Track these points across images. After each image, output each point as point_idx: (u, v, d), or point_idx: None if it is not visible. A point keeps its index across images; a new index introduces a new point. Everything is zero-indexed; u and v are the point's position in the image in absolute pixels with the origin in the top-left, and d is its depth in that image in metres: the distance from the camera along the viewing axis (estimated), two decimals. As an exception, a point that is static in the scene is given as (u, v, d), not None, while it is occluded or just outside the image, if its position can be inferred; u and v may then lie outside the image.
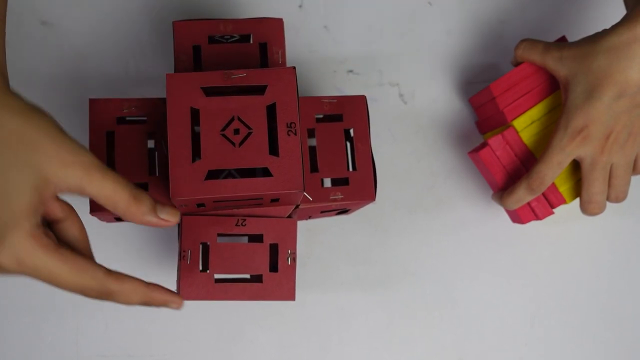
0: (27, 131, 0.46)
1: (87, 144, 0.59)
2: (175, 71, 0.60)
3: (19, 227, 0.46)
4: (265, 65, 0.61)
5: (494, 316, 0.74)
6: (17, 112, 0.47)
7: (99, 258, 0.71)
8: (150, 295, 0.51)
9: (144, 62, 0.73)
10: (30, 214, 0.46)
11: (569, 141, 0.63)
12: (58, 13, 0.73)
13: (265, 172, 0.53)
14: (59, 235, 0.50)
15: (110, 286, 0.49)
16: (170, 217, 0.51)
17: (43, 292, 0.70)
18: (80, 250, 0.51)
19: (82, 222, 0.51)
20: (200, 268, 0.59)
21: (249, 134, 0.53)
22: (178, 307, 0.53)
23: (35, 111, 0.47)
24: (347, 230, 0.73)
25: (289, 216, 0.61)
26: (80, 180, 0.47)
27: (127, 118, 0.60)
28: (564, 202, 0.69)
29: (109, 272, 0.49)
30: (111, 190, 0.48)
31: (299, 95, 0.60)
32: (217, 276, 0.59)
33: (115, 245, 0.71)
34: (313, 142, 0.62)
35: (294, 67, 0.55)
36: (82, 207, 0.57)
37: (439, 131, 0.75)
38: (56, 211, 0.49)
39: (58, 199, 0.49)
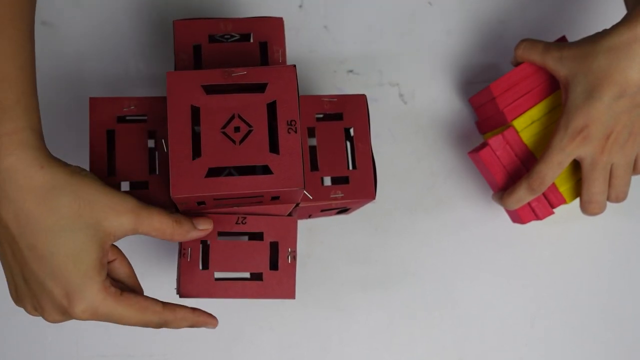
0: (80, 192, 0.51)
1: (87, 143, 0.59)
2: (175, 70, 0.60)
3: (92, 282, 0.52)
4: (266, 64, 0.61)
5: (494, 316, 0.74)
6: (67, 175, 0.51)
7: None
8: (196, 319, 0.57)
9: (144, 62, 0.73)
10: (100, 269, 0.52)
11: (569, 141, 0.63)
12: (58, 13, 0.73)
13: (266, 170, 0.53)
14: (111, 273, 0.56)
15: (167, 317, 0.55)
16: (207, 226, 0.57)
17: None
18: (131, 285, 0.57)
19: (128, 260, 0.58)
20: (201, 266, 0.59)
21: (250, 131, 0.53)
22: (214, 327, 0.59)
23: (79, 171, 0.53)
24: (348, 230, 0.73)
25: (289, 215, 0.61)
26: (134, 224, 0.53)
27: (128, 117, 0.60)
28: (564, 202, 0.69)
29: (164, 305, 0.55)
30: (158, 223, 0.54)
31: (299, 95, 0.60)
32: (217, 274, 0.59)
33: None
34: (313, 141, 0.62)
35: (294, 65, 0.55)
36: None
37: (439, 131, 0.75)
38: (109, 255, 0.55)
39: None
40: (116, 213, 0.52)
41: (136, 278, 0.58)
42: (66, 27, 0.73)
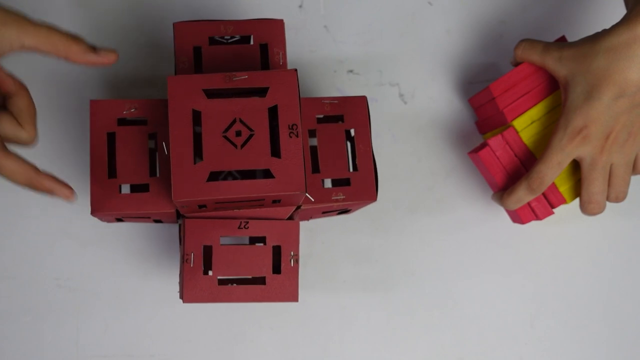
0: None
1: (87, 145, 0.59)
2: (175, 72, 0.60)
3: None
4: (266, 66, 0.61)
5: (494, 316, 0.74)
6: None
7: (99, 257, 0.71)
8: (36, 179, 0.54)
9: (145, 64, 0.73)
10: None
11: (568, 141, 0.63)
12: (58, 13, 0.73)
13: (267, 174, 0.53)
14: (10, 108, 0.55)
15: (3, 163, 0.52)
16: (108, 54, 0.55)
17: (43, 292, 0.70)
18: (23, 120, 0.55)
19: (31, 98, 0.56)
20: (203, 271, 0.59)
21: (251, 135, 0.53)
22: (68, 198, 0.55)
23: None
24: (348, 229, 0.73)
25: (291, 217, 0.61)
26: (17, 35, 0.51)
27: (128, 119, 0.60)
28: (564, 202, 0.69)
29: (4, 148, 0.52)
30: (47, 35, 0.52)
31: (300, 96, 0.60)
32: (220, 278, 0.59)
33: (115, 245, 0.71)
34: (314, 142, 0.62)
35: (296, 70, 0.55)
36: (84, 208, 0.58)
37: (439, 131, 0.75)
38: (8, 86, 0.54)
39: (10, 75, 0.54)
40: None
41: (33, 115, 0.56)
42: (66, 27, 0.72)
